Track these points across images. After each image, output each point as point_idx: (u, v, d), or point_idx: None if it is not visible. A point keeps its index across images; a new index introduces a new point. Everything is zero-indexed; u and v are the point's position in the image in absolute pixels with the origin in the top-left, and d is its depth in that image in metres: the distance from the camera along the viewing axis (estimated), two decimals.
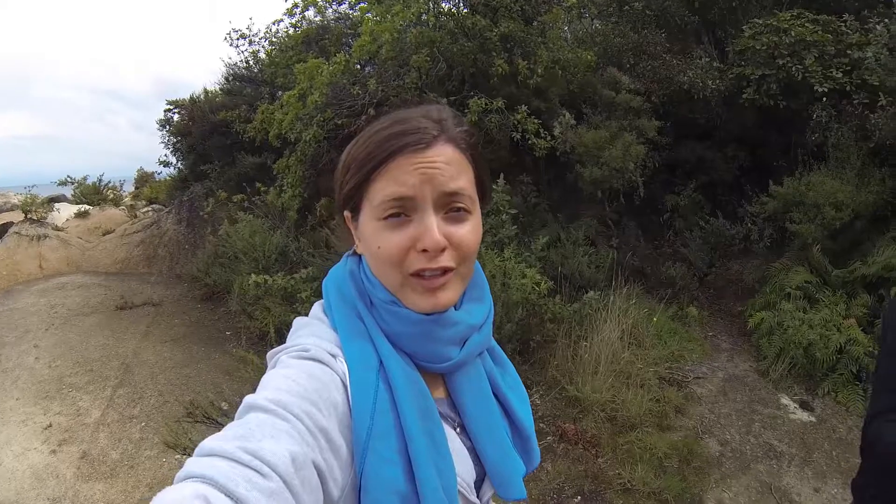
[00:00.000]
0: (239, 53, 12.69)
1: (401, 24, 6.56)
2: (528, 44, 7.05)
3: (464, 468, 0.92)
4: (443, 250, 0.85)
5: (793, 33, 6.57)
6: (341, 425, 0.79)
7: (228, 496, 0.61)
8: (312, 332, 0.91)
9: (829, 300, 5.77)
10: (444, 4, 7.36)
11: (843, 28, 6.68)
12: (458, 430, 0.96)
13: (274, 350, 0.88)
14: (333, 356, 0.85)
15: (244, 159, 9.26)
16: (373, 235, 0.87)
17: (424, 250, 0.84)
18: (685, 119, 7.82)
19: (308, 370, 0.80)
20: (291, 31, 9.18)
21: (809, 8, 7.18)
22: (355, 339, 0.88)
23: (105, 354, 6.49)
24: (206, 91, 10.77)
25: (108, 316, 7.73)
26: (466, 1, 7.32)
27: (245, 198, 8.14)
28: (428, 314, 0.88)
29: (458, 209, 0.87)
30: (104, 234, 11.30)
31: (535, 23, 7.37)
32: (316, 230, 7.54)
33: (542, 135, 6.78)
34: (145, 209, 12.86)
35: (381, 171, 0.85)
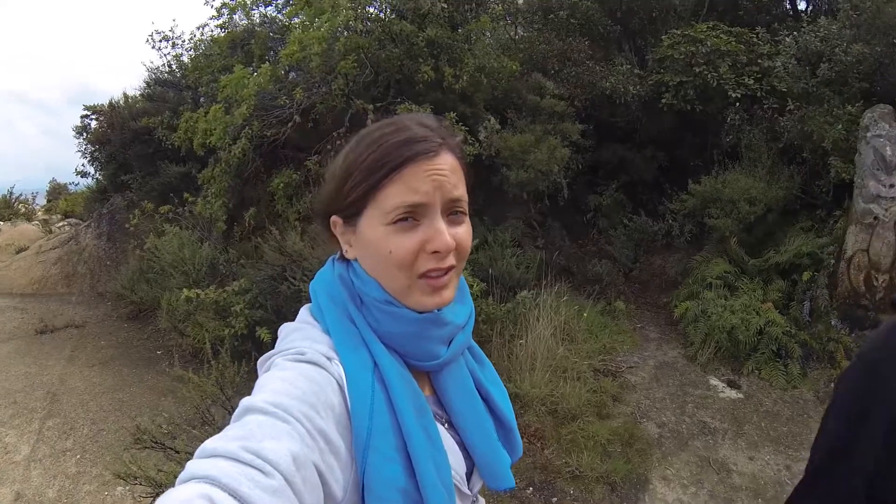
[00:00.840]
0: (161, 57, 12.18)
1: (329, 33, 6.50)
2: (455, 50, 7.13)
3: (456, 461, 0.95)
4: (451, 251, 0.89)
5: (709, 43, 7.08)
6: (339, 426, 0.81)
7: (232, 495, 0.62)
8: (305, 335, 0.91)
9: (747, 287, 6.21)
10: (371, 10, 7.31)
11: (755, 39, 7.28)
12: (445, 425, 0.99)
13: (267, 354, 0.90)
14: (329, 359, 0.86)
15: (168, 168, 8.91)
16: (382, 240, 0.88)
17: (435, 252, 0.88)
18: (607, 122, 8.17)
19: (305, 373, 0.82)
20: (217, 33, 8.92)
21: (724, 20, 7.79)
22: (349, 342, 0.90)
23: (28, 384, 6.06)
24: (126, 96, 10.24)
25: (28, 341, 7.27)
26: (394, 7, 7.32)
27: (172, 209, 7.86)
28: (428, 312, 0.92)
29: (458, 212, 0.92)
30: (17, 252, 10.58)
31: (460, 30, 7.47)
32: (245, 240, 7.37)
33: (469, 141, 6.85)
34: (61, 224, 12.14)
35: (393, 178, 0.87)
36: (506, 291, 6.23)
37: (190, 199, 7.70)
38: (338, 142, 6.56)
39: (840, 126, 5.95)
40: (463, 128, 6.83)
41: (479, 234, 6.99)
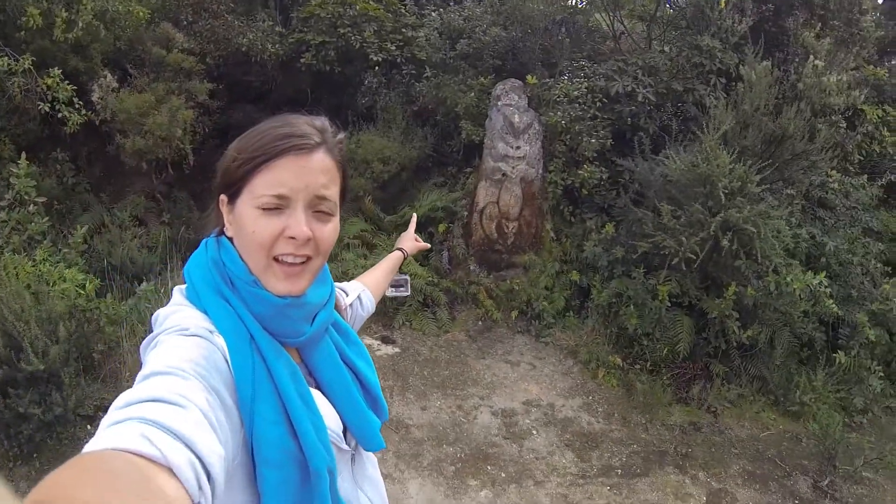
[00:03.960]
0: None
1: None
2: None
3: (332, 421, 1.06)
4: (307, 241, 0.96)
5: (357, 7, 7.01)
6: (228, 389, 0.87)
7: (164, 430, 0.67)
8: (184, 315, 0.96)
9: (384, 244, 6.22)
10: None
11: (403, 10, 7.50)
12: (317, 391, 1.09)
13: (149, 336, 0.93)
14: (211, 332, 0.93)
15: None
16: (249, 220, 0.96)
17: (292, 238, 0.95)
18: (240, 81, 7.53)
19: (193, 343, 0.88)
20: None
21: None
22: (226, 318, 0.95)
23: None
24: None
25: None
26: None
27: None
28: (283, 297, 0.98)
29: (324, 211, 1.00)
30: None
31: None
32: None
33: (76, 105, 5.68)
34: None
35: (267, 166, 0.95)
36: (129, 282, 5.33)
37: None
38: None
39: (472, 94, 6.47)
40: (71, 87, 5.61)
41: (94, 215, 6.18)
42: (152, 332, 0.94)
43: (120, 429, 0.65)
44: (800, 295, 4.76)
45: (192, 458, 0.66)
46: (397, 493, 3.65)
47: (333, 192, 1.00)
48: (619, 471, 4.08)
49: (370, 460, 1.20)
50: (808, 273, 4.84)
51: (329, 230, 1.00)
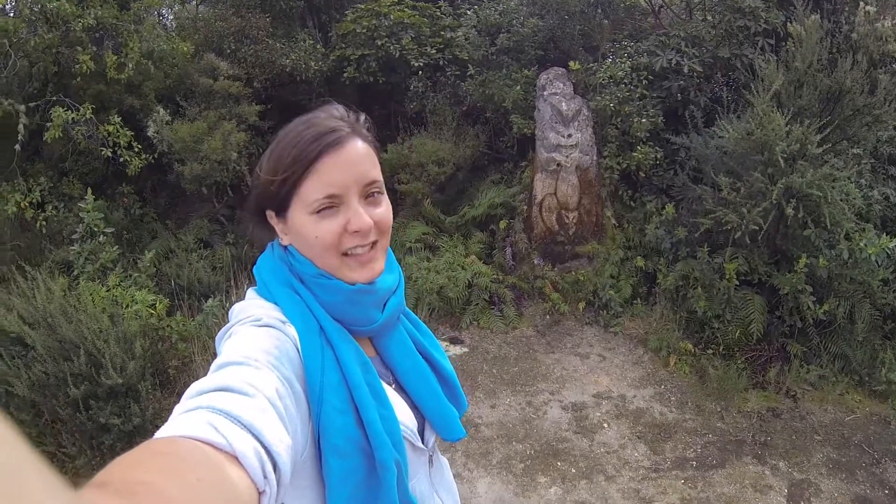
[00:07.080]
0: None
1: None
2: (121, 33, 6.20)
3: (406, 417, 1.06)
4: (371, 229, 1.00)
5: (392, 17, 7.16)
6: (299, 378, 0.91)
7: (230, 418, 0.71)
8: (257, 306, 1.01)
9: (448, 245, 6.28)
10: None
11: (438, 13, 7.64)
12: (393, 386, 1.10)
13: (225, 327, 0.99)
14: (283, 322, 0.98)
15: None
16: (309, 227, 0.99)
17: (356, 232, 0.99)
18: (288, 101, 7.74)
19: (266, 333, 0.93)
20: None
21: None
22: (297, 310, 1.00)
23: None
24: None
25: None
26: None
27: None
28: (359, 284, 1.02)
29: (375, 193, 1.03)
30: None
31: (131, 8, 6.51)
32: None
33: (135, 148, 6.16)
34: None
35: (309, 172, 0.97)
36: (197, 301, 5.61)
37: None
38: None
39: (518, 87, 6.42)
40: (128, 132, 6.14)
41: (163, 242, 6.57)
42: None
43: (188, 417, 0.69)
44: (877, 261, 4.45)
45: (258, 447, 0.69)
46: (466, 492, 3.68)
47: (377, 173, 1.02)
48: (694, 463, 3.96)
49: (445, 465, 1.22)
50: (885, 237, 4.47)
51: (384, 209, 1.03)
